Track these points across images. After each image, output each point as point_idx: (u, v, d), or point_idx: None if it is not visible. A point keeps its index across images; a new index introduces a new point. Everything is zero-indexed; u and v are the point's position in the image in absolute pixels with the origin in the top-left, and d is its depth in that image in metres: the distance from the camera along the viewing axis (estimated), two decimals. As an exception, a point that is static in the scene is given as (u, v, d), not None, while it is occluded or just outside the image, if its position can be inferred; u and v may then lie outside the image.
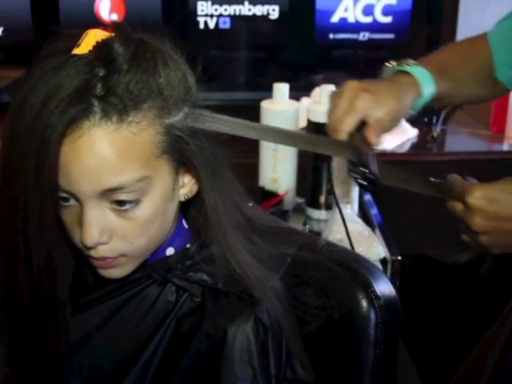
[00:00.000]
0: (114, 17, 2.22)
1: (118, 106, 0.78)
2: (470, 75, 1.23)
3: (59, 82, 0.76)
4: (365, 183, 0.98)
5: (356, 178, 0.99)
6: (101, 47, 0.79)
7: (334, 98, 1.08)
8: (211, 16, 2.27)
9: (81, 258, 0.88)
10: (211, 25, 2.28)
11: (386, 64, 1.15)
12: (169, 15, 2.26)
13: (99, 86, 0.78)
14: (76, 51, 0.79)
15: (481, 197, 0.97)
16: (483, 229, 0.99)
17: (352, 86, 1.05)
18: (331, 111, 1.07)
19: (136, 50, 0.80)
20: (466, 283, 1.96)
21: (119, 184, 0.80)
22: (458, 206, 1.02)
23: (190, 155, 0.84)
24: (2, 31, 2.23)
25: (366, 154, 1.00)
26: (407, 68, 1.12)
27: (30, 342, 0.88)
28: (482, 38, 1.26)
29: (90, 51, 0.79)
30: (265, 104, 1.67)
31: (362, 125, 1.06)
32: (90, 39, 0.80)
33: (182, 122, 0.83)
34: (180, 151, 0.84)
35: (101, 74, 0.78)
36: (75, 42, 0.80)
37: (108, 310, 0.93)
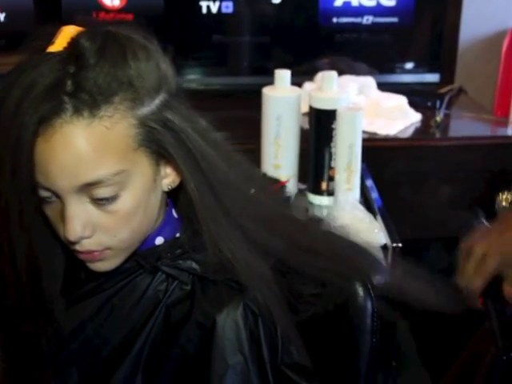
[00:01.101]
0: (116, 2, 2.21)
1: (88, 102, 0.78)
2: None
3: (32, 82, 0.77)
4: None
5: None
6: (72, 44, 0.80)
7: (463, 255, 1.09)
8: (214, 0, 2.26)
9: (72, 254, 0.89)
10: (214, 9, 2.27)
11: (501, 197, 1.16)
12: (171, 0, 2.26)
13: (69, 82, 0.78)
14: (51, 49, 0.80)
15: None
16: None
17: (481, 248, 1.06)
18: (461, 271, 1.09)
19: (103, 44, 0.80)
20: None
21: (97, 178, 0.80)
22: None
23: (167, 146, 0.84)
24: (4, 17, 2.23)
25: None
26: None
27: (22, 338, 0.89)
28: None
29: (64, 48, 0.80)
30: (266, 90, 1.66)
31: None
32: (65, 36, 0.81)
33: (157, 113, 0.83)
34: (157, 143, 0.84)
35: (71, 71, 0.79)
36: (51, 40, 0.81)
37: (100, 300, 0.93)
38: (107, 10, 2.21)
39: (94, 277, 0.93)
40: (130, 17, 2.22)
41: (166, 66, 0.85)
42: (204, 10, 2.26)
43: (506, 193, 1.14)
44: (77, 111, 0.78)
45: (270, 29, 2.35)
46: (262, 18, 2.33)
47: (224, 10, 2.28)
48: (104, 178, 0.80)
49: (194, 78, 2.32)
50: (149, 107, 0.82)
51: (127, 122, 0.81)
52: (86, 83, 0.78)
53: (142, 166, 0.84)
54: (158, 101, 0.83)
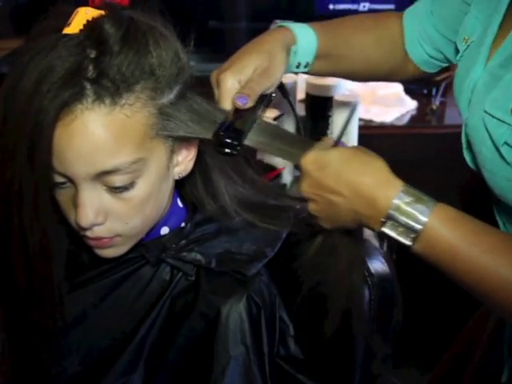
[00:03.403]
0: (112, -13, 2.20)
1: (111, 89, 0.77)
2: (368, 41, 1.18)
3: (50, 64, 0.76)
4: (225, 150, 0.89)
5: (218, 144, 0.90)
6: (91, 27, 0.79)
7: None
8: (210, -14, 2.26)
9: (76, 237, 0.89)
10: (210, -5, 2.27)
11: (273, 23, 1.11)
12: (167, -15, 2.25)
13: (91, 68, 0.77)
14: (66, 31, 0.78)
15: (312, 161, 0.88)
16: (307, 195, 0.90)
17: (212, 76, 1.00)
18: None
19: (127, 31, 0.79)
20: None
21: (114, 167, 0.80)
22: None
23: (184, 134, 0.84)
24: (1, 2, 2.21)
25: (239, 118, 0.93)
26: (285, 24, 1.07)
27: (27, 322, 0.89)
28: (392, 15, 1.23)
29: (80, 30, 0.78)
30: (263, 77, 1.66)
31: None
32: (81, 18, 0.79)
33: (176, 102, 0.83)
34: (173, 130, 0.84)
35: (92, 56, 0.77)
36: (65, 21, 0.79)
37: (104, 288, 0.94)
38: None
39: (97, 263, 0.93)
40: (125, 1, 2.21)
41: (184, 56, 0.85)
42: (201, -4, 2.27)
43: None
44: (98, 98, 0.77)
45: (267, 15, 2.34)
46: (258, 5, 2.33)
47: (221, -4, 2.28)
48: (121, 166, 0.80)
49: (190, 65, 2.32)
50: (168, 97, 0.82)
51: (147, 110, 0.81)
52: (109, 70, 0.77)
53: (158, 153, 0.84)
54: (176, 90, 0.83)
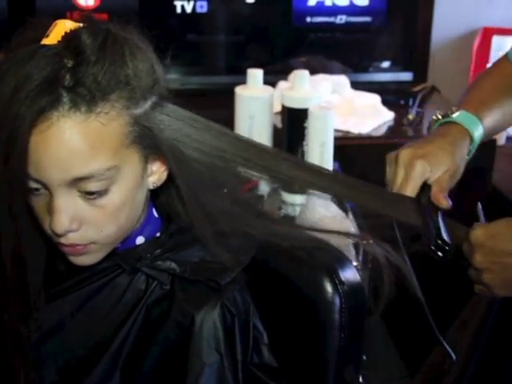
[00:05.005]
0: (91, 2, 2.21)
1: (87, 97, 0.79)
2: (509, 99, 1.22)
3: (28, 73, 0.78)
4: (440, 254, 1.01)
5: (431, 251, 1.02)
6: (69, 38, 0.81)
7: (390, 166, 1.10)
8: (188, 0, 2.27)
9: (53, 246, 0.89)
10: (188, 9, 2.28)
11: (433, 117, 1.17)
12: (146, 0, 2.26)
13: (68, 76, 0.79)
14: (45, 41, 0.80)
15: (481, 234, 0.99)
16: (483, 265, 0.99)
17: (405, 154, 1.07)
18: (390, 180, 1.10)
19: (104, 42, 0.81)
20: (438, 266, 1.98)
21: (88, 173, 0.81)
22: (465, 247, 1.03)
23: (158, 144, 0.86)
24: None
25: (436, 217, 1.04)
26: (454, 118, 1.13)
27: (1, 330, 0.89)
28: (503, 61, 1.26)
29: (58, 42, 0.81)
30: (239, 90, 1.68)
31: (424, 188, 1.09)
32: (59, 29, 0.82)
33: (150, 113, 0.85)
34: (149, 141, 0.85)
35: (69, 65, 0.79)
36: (44, 32, 0.81)
37: (80, 298, 0.94)
38: (81, 10, 2.21)
39: (74, 272, 0.94)
40: (104, 17, 2.22)
41: (159, 68, 0.87)
42: (178, 10, 2.27)
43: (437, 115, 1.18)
44: (74, 105, 0.79)
45: (245, 28, 2.36)
46: (236, 18, 2.35)
47: (198, 10, 2.29)
48: (96, 173, 0.82)
49: (169, 78, 2.32)
50: (143, 107, 0.84)
51: (122, 119, 0.82)
52: (85, 79, 0.79)
53: (132, 162, 0.85)
54: (151, 101, 0.85)
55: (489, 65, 2.16)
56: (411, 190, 1.05)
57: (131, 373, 0.92)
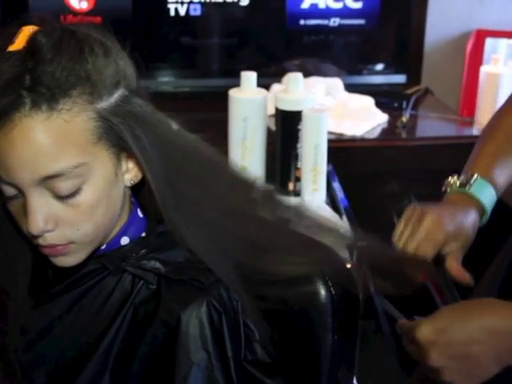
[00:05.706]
0: (84, 5, 2.21)
1: (46, 95, 0.80)
2: None
3: None
4: None
5: None
6: (29, 41, 0.82)
7: (411, 221, 1.12)
8: (182, 3, 2.27)
9: (38, 251, 0.89)
10: (182, 12, 2.28)
11: (449, 180, 1.20)
12: (139, 2, 2.26)
13: (27, 77, 0.80)
14: (11, 48, 0.82)
15: (429, 331, 0.96)
16: (442, 363, 0.95)
17: (433, 218, 1.10)
18: (408, 237, 1.12)
19: (59, 39, 0.82)
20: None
21: (56, 171, 0.81)
22: (412, 349, 1.01)
23: (127, 140, 0.85)
24: (-29, 20, 2.22)
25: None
26: (470, 192, 1.16)
27: None
28: (507, 108, 1.27)
29: (23, 47, 0.81)
30: (232, 92, 1.68)
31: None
32: (24, 35, 0.82)
33: (116, 108, 0.85)
34: (116, 136, 0.85)
35: (30, 67, 0.80)
36: (11, 40, 0.82)
37: (68, 301, 0.94)
38: (75, 13, 2.20)
39: (61, 277, 0.94)
40: (98, 19, 2.22)
41: (124, 63, 0.87)
42: (172, 13, 2.27)
43: (452, 178, 1.19)
44: (35, 105, 0.79)
45: (239, 31, 2.36)
46: (230, 21, 2.35)
47: (192, 13, 2.29)
48: (64, 171, 0.82)
49: (163, 81, 2.34)
50: (107, 101, 0.84)
51: (86, 115, 0.82)
52: (43, 77, 0.80)
53: (102, 159, 0.85)
54: (116, 95, 0.85)
55: (482, 67, 2.18)
56: (430, 254, 1.08)
57: (121, 373, 0.91)
